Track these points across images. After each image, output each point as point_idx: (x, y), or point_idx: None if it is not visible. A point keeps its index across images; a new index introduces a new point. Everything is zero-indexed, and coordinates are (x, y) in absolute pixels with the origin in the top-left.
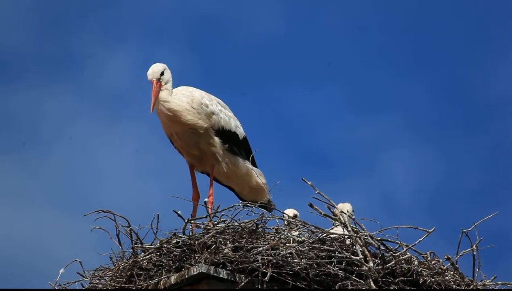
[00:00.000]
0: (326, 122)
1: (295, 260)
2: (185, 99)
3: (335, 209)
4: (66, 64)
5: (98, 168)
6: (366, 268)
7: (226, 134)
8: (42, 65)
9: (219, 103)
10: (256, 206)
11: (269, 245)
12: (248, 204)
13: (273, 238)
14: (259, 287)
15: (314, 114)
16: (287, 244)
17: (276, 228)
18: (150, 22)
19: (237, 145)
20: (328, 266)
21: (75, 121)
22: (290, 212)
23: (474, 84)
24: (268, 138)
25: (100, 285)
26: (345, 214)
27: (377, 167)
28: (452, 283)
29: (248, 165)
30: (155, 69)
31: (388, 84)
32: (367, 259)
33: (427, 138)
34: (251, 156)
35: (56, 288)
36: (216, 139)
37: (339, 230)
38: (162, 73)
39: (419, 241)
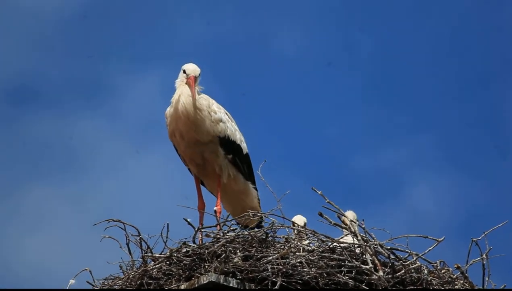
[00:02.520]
0: (356, 144)
1: (305, 269)
2: (204, 102)
3: (345, 218)
4: (94, 90)
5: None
6: (376, 277)
7: (231, 146)
8: (71, 91)
9: (226, 114)
10: (267, 215)
11: (279, 254)
12: (259, 213)
13: (283, 247)
14: None
15: (345, 134)
16: (297, 253)
17: (286, 237)
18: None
19: (240, 159)
20: (338, 275)
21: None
22: (299, 219)
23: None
24: (297, 153)
25: None
26: (355, 222)
27: (406, 191)
28: None
29: (249, 183)
30: (197, 69)
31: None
32: (377, 268)
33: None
34: (254, 177)
35: None
36: (220, 148)
37: (349, 239)
38: (199, 75)
39: (429, 250)
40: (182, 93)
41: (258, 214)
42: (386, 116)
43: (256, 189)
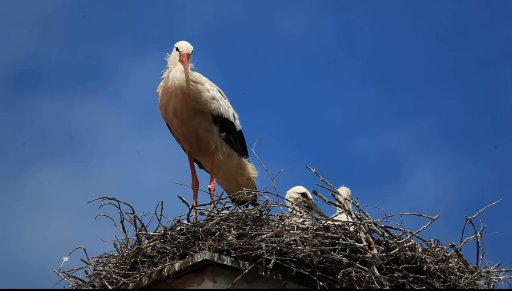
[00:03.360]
0: (359, 124)
1: (299, 247)
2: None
3: (339, 196)
4: (96, 73)
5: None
6: (370, 255)
7: (224, 123)
8: (72, 73)
9: (219, 91)
10: (261, 193)
11: (273, 232)
12: (253, 191)
13: (277, 225)
14: (263, 274)
15: (346, 117)
16: (291, 231)
17: (280, 215)
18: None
19: (234, 136)
20: (332, 253)
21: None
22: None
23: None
24: (301, 140)
25: (104, 272)
26: (349, 200)
27: (406, 173)
28: (456, 270)
29: (243, 159)
30: (190, 46)
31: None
32: (371, 246)
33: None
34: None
35: (60, 274)
36: (214, 126)
37: (343, 217)
38: (192, 52)
39: (423, 228)
40: (176, 70)
41: (253, 191)
42: (388, 100)
43: (251, 163)
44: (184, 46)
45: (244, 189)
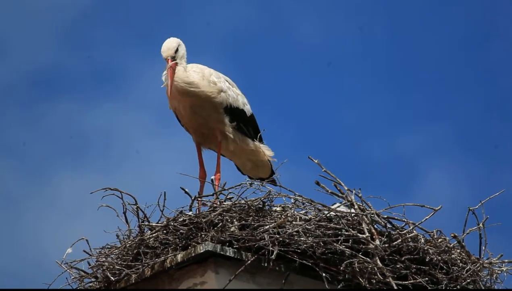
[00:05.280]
0: (372, 130)
1: (302, 238)
2: (196, 76)
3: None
4: (108, 76)
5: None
6: (373, 246)
7: (234, 112)
8: (86, 78)
9: (227, 81)
10: (264, 184)
11: (275, 223)
12: (255, 182)
13: (279, 216)
14: (266, 265)
15: (361, 121)
16: (294, 222)
17: (282, 206)
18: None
19: (244, 123)
20: (335, 244)
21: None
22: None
23: None
24: (313, 143)
25: (106, 263)
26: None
27: (421, 177)
28: (459, 261)
29: (256, 142)
30: (170, 45)
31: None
32: (374, 237)
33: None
34: (259, 134)
35: (63, 266)
36: (225, 117)
37: (342, 207)
38: (176, 50)
39: (426, 219)
40: (167, 78)
41: (255, 182)
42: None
43: (265, 145)
44: (163, 49)
45: (247, 179)
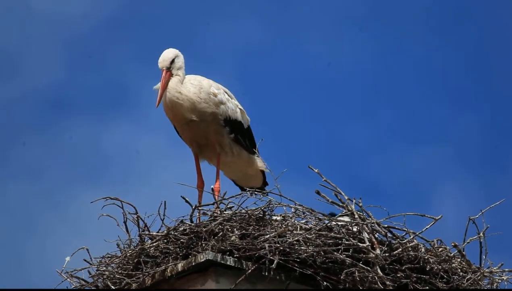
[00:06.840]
0: (376, 150)
1: (302, 247)
2: (193, 89)
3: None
4: (123, 95)
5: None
6: (373, 255)
7: (233, 124)
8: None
9: (226, 92)
10: (265, 194)
11: (276, 232)
12: (256, 192)
13: (280, 225)
14: (266, 274)
15: (364, 140)
16: (294, 232)
17: (283, 215)
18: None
19: (242, 135)
20: (335, 253)
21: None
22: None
23: None
24: (317, 161)
25: (107, 272)
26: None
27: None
28: (459, 270)
29: (251, 154)
30: (165, 56)
31: (443, 116)
32: (374, 246)
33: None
34: (256, 147)
35: (63, 275)
36: (223, 129)
37: (346, 217)
38: (172, 61)
39: (426, 228)
40: (168, 89)
41: (256, 192)
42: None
43: (259, 157)
44: (159, 60)
45: (248, 189)
